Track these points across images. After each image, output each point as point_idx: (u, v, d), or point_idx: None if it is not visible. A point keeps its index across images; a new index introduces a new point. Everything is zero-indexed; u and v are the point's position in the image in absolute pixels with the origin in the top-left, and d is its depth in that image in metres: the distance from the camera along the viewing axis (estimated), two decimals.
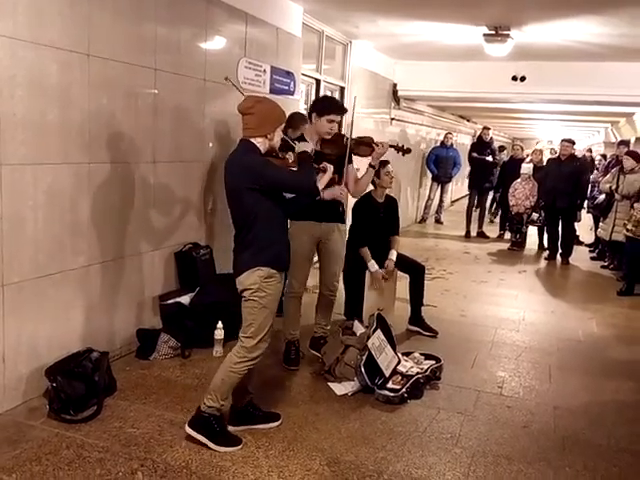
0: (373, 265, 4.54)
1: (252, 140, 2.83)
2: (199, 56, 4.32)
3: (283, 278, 2.97)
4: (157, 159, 3.98)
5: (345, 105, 4.55)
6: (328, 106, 3.75)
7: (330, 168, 3.14)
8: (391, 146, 3.94)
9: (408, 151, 4.06)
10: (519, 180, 8.93)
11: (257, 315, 2.81)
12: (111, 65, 3.49)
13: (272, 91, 5.28)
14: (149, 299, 4.09)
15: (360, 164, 4.13)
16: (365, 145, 3.84)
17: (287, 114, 4.60)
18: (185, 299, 4.15)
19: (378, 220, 4.64)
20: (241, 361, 2.84)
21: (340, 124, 4.14)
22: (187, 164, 4.32)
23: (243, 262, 2.83)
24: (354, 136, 3.76)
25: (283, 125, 2.95)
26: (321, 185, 3.12)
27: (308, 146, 3.06)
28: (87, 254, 3.49)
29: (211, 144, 4.56)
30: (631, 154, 7.23)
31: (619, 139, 10.86)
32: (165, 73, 3.95)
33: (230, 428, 3.02)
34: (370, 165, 3.95)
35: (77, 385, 3.10)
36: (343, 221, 4.07)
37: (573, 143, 8.25)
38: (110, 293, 3.72)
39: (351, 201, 4.70)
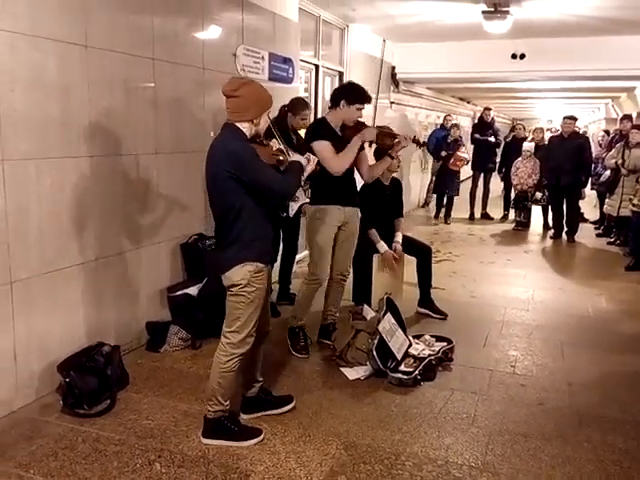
0: (383, 246, 4.52)
1: (238, 125, 2.67)
2: (197, 44, 4.27)
3: (270, 271, 2.86)
4: (159, 150, 3.95)
5: None
6: (359, 95, 3.73)
7: (314, 160, 3.05)
8: (413, 141, 4.03)
9: (424, 144, 4.15)
10: (520, 159, 8.87)
11: (244, 310, 2.70)
12: (109, 56, 3.45)
13: (271, 79, 5.24)
14: (157, 291, 4.08)
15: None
16: (389, 137, 3.89)
17: (287, 101, 4.64)
18: (193, 290, 4.13)
19: (384, 202, 4.62)
20: (230, 359, 2.74)
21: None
22: (188, 155, 4.28)
23: (230, 258, 2.69)
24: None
25: (270, 110, 2.79)
26: (305, 174, 2.98)
27: (301, 159, 2.95)
28: (94, 248, 3.47)
29: (212, 133, 4.50)
30: (639, 128, 7.16)
31: (621, 114, 10.76)
32: (163, 63, 3.91)
33: (244, 416, 3.02)
34: (389, 155, 3.95)
35: (90, 379, 3.10)
36: (360, 205, 4.08)
37: (575, 120, 8.18)
38: (118, 287, 3.71)
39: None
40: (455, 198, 9.63)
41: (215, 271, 2.83)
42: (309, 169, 2.97)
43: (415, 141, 4.06)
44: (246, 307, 2.71)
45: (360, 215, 4.06)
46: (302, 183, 3.09)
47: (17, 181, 2.96)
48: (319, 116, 6.48)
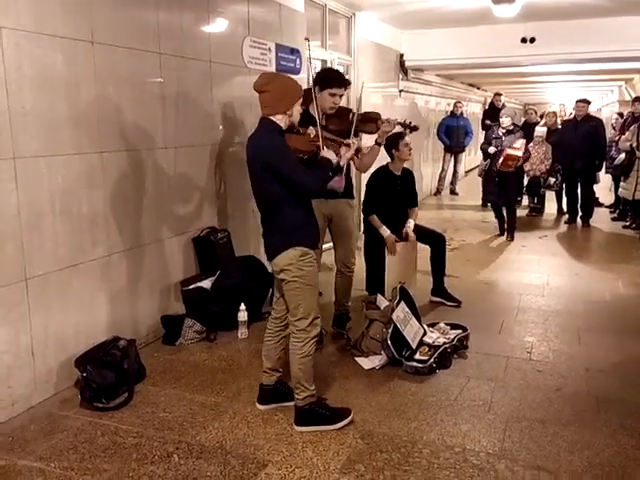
0: (385, 230, 4.46)
1: (272, 118, 2.76)
2: (203, 37, 4.26)
3: (318, 256, 2.92)
4: (168, 145, 3.95)
5: (350, 78, 4.37)
6: (329, 79, 3.60)
7: (353, 145, 3.04)
8: (398, 123, 3.78)
9: (415, 128, 3.89)
10: (532, 144, 8.75)
11: (302, 295, 2.78)
12: (116, 51, 3.45)
13: (278, 70, 5.21)
14: (171, 285, 4.09)
15: (367, 138, 4.04)
16: (372, 122, 3.69)
17: None
18: (206, 283, 4.14)
19: (395, 192, 4.58)
20: (305, 343, 2.81)
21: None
22: (197, 148, 4.29)
23: (276, 245, 2.81)
24: (361, 111, 3.64)
25: (301, 100, 2.86)
26: (343, 160, 3.03)
27: (333, 156, 2.93)
28: (106, 244, 3.50)
29: (220, 126, 4.51)
30: None
31: (634, 96, 10.59)
32: (170, 57, 3.90)
33: (260, 406, 3.05)
34: (376, 142, 3.79)
35: (107, 373, 3.12)
36: (352, 196, 4.02)
37: (588, 103, 8.07)
38: (132, 281, 3.73)
39: (365, 174, 4.65)
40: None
41: (267, 260, 2.95)
42: (348, 155, 3.03)
43: (404, 124, 3.81)
44: (303, 292, 2.78)
45: (354, 206, 4.00)
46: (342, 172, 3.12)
47: (29, 178, 2.98)
48: None
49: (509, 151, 6.90)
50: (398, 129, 3.88)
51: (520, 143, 6.94)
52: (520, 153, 6.92)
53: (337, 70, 3.67)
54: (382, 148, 4.07)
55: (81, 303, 3.35)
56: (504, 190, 7.03)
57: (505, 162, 6.90)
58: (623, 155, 7.58)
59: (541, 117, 10.06)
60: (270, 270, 4.49)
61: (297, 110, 2.82)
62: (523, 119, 9.95)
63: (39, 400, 3.12)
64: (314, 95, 3.51)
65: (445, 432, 2.85)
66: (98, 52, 3.32)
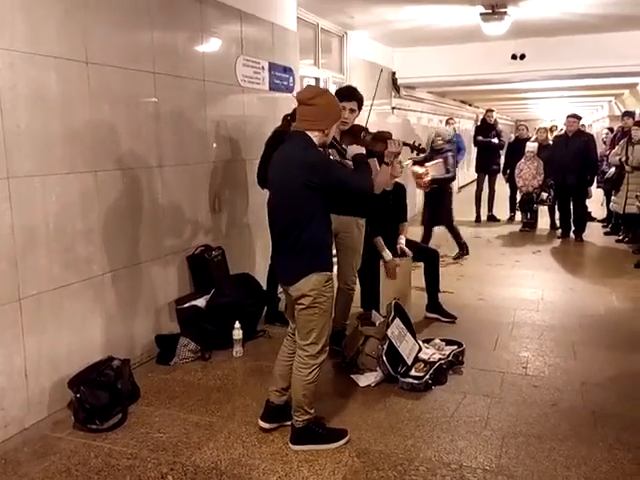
0: (388, 254, 4.49)
1: (309, 133, 2.64)
2: (197, 57, 4.30)
3: None
4: (162, 163, 3.97)
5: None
6: (338, 93, 3.66)
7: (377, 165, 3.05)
8: (405, 144, 3.82)
9: (423, 150, 3.97)
10: (523, 160, 8.82)
11: (319, 320, 2.69)
12: (110, 71, 3.47)
13: (272, 88, 5.26)
14: (165, 304, 4.08)
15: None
16: (381, 142, 3.63)
17: (289, 110, 4.65)
18: (201, 302, 4.13)
19: (388, 208, 4.60)
20: (311, 370, 2.75)
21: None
22: (191, 166, 4.30)
23: (299, 267, 2.65)
24: (374, 131, 3.67)
25: (338, 122, 2.81)
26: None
27: (360, 149, 2.95)
28: (100, 263, 3.49)
29: (214, 144, 4.54)
30: None
31: (624, 111, 10.72)
32: (164, 76, 3.93)
33: (264, 425, 3.00)
34: (384, 162, 3.84)
35: (101, 394, 3.09)
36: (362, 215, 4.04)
37: (579, 118, 8.16)
38: (126, 300, 3.71)
39: None
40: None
41: (282, 283, 2.81)
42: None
43: (411, 146, 3.80)
44: (320, 318, 2.70)
45: (362, 225, 4.03)
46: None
47: (23, 198, 2.98)
48: None
49: (413, 167, 6.54)
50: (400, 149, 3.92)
51: (435, 162, 6.45)
52: (422, 170, 6.39)
53: (352, 87, 3.75)
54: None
55: (75, 323, 3.33)
56: (434, 209, 6.77)
57: (415, 180, 6.61)
58: (613, 169, 7.65)
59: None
60: (264, 288, 4.56)
61: (333, 131, 2.74)
62: (514, 135, 10.02)
63: (32, 422, 3.09)
64: None
65: (442, 449, 2.83)
66: (92, 72, 3.35)
